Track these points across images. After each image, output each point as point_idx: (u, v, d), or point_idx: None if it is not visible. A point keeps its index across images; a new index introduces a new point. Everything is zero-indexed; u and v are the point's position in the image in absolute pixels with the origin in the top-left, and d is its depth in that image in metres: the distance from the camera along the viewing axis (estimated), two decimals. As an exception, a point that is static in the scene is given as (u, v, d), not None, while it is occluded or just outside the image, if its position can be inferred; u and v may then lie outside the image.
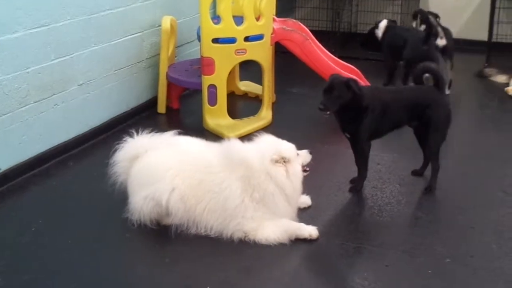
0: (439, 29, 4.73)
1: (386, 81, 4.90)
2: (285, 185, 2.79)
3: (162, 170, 2.83)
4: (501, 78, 5.16)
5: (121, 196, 3.03)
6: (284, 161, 2.79)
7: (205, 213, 2.80)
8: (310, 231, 2.79)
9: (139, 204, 2.85)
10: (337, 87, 3.05)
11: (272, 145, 2.84)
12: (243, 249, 2.74)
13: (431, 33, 4.57)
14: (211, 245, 2.77)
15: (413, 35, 4.76)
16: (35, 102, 3.48)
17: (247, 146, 2.89)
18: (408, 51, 4.72)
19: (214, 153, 2.90)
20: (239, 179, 2.77)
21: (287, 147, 2.85)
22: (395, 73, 4.94)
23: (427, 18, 4.70)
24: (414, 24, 5.09)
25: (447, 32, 4.82)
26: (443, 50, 4.71)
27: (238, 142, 2.94)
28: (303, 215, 2.98)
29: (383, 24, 5.09)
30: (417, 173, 3.43)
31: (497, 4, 5.63)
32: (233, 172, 2.79)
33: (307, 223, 2.86)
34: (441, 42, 4.71)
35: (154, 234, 2.88)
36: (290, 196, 2.81)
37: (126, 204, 2.95)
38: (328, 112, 3.09)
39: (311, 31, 4.69)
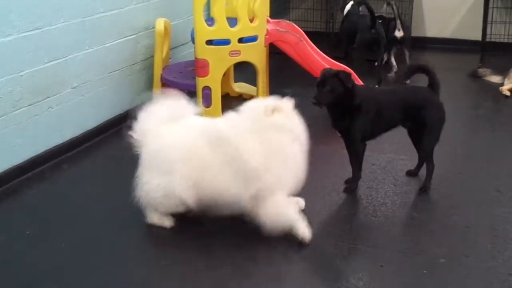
0: (398, 21, 5.17)
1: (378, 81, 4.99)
2: (292, 126, 2.80)
3: (176, 159, 2.79)
4: (495, 78, 5.18)
5: (116, 199, 3.03)
6: (278, 111, 2.80)
7: (221, 187, 2.77)
8: (304, 233, 2.76)
9: (150, 189, 2.81)
10: (330, 81, 3.06)
11: (260, 102, 2.87)
12: (237, 250, 2.74)
13: (374, 19, 4.97)
14: (206, 246, 2.77)
15: (364, 21, 5.13)
16: (29, 105, 3.47)
17: (239, 114, 2.87)
18: (359, 36, 5.13)
19: (226, 128, 2.85)
20: (253, 142, 2.74)
21: (273, 100, 2.86)
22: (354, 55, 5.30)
23: (369, 6, 5.01)
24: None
25: (404, 24, 5.25)
26: (401, 41, 5.23)
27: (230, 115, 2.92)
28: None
29: (347, 8, 5.54)
30: (412, 173, 3.44)
31: (491, 4, 5.64)
32: (245, 137, 2.75)
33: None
34: (399, 33, 5.19)
35: (149, 236, 2.88)
36: (301, 137, 2.81)
37: (121, 207, 2.94)
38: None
39: (305, 32, 4.70)
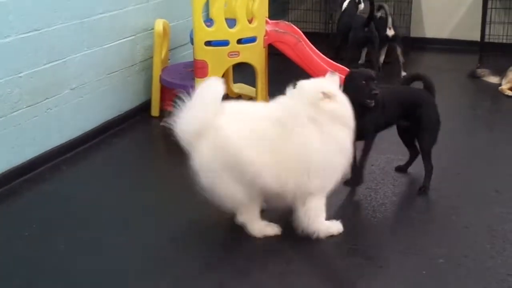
0: (389, 20, 5.35)
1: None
2: (344, 112, 2.74)
3: (253, 150, 2.63)
4: (493, 79, 5.19)
5: (115, 200, 3.03)
6: (329, 97, 2.72)
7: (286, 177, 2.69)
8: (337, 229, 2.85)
9: (230, 189, 2.67)
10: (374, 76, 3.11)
11: (312, 86, 2.76)
12: (236, 251, 2.74)
13: (372, 18, 5.11)
14: (206, 247, 2.78)
15: (358, 20, 5.30)
16: (28, 106, 3.47)
17: (292, 98, 2.77)
18: (352, 34, 5.28)
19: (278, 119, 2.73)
20: (314, 134, 2.68)
21: (327, 83, 2.79)
22: (346, 54, 5.44)
23: (372, 2, 5.12)
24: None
25: (394, 24, 5.49)
26: (392, 39, 5.42)
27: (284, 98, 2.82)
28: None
29: (344, 5, 5.70)
30: (401, 169, 3.46)
31: (489, 5, 5.65)
32: (307, 129, 2.68)
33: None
34: (390, 32, 5.36)
35: (149, 237, 2.88)
36: (350, 123, 2.75)
37: (120, 207, 2.93)
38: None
39: (304, 33, 4.70)
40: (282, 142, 2.66)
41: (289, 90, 2.79)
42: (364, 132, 3.17)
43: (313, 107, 2.70)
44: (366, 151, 3.24)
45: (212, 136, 2.65)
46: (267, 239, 2.82)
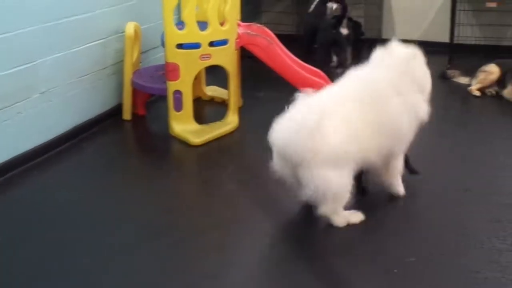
0: (344, 20, 5.44)
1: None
2: (424, 79, 3.10)
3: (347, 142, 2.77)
4: (463, 79, 5.27)
5: (86, 205, 2.99)
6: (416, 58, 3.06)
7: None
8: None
9: (338, 185, 2.81)
10: None
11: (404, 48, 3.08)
12: (207, 253, 2.74)
13: (342, 20, 5.25)
14: (175, 251, 2.77)
15: (324, 22, 5.40)
16: (-3, 110, 3.42)
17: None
18: (320, 35, 5.37)
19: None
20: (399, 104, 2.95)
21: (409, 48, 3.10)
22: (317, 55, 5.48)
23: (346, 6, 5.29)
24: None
25: (352, 25, 5.67)
26: (347, 38, 5.51)
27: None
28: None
29: (312, 6, 5.76)
30: None
31: (458, 7, 5.75)
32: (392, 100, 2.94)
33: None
34: (344, 31, 5.45)
35: (115, 243, 2.85)
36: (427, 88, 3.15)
37: (92, 213, 2.90)
38: None
39: (277, 35, 4.71)
40: (373, 117, 2.85)
41: (376, 56, 3.08)
42: None
43: (400, 73, 2.94)
44: None
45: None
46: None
